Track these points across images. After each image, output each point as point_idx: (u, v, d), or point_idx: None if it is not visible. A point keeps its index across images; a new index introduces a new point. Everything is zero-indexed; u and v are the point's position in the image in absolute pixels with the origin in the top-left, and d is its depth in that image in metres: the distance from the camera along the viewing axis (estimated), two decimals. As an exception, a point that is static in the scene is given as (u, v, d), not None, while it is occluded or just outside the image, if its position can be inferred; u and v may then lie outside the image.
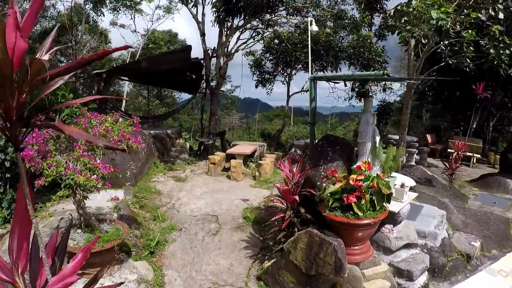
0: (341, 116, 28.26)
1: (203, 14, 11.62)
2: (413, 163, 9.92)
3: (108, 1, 15.80)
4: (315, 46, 12.27)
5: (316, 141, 5.70)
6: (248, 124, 27.02)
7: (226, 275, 4.28)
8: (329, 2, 13.63)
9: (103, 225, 4.10)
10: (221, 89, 13.37)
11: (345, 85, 13.65)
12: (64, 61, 15.97)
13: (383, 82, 13.39)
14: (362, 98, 13.63)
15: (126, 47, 1.32)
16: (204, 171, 8.90)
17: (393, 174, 4.77)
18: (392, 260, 4.34)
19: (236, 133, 22.75)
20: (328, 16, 13.34)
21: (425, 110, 18.74)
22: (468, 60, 8.05)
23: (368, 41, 12.78)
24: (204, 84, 12.04)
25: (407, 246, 4.49)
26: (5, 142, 4.72)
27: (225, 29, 11.65)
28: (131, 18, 18.67)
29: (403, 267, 4.23)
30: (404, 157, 9.40)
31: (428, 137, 14.05)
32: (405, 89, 10.04)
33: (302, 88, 15.84)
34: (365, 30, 13.91)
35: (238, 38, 12.52)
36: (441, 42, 7.50)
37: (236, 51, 12.60)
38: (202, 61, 11.11)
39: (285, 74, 15.50)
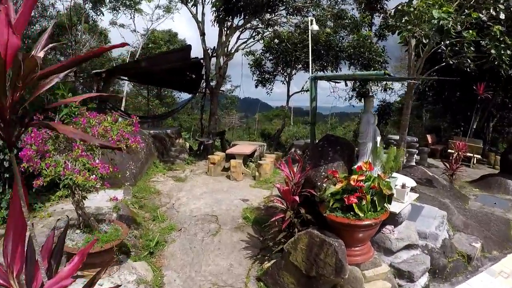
0: (341, 116, 28.26)
1: (203, 14, 11.59)
2: (413, 164, 9.89)
3: (107, 1, 15.77)
4: (315, 46, 12.25)
5: (317, 141, 5.67)
6: (248, 124, 27.02)
7: (226, 275, 4.25)
8: (329, 2, 13.61)
9: (102, 226, 4.08)
10: (221, 89, 13.34)
11: (346, 84, 13.67)
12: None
13: (384, 82, 13.37)
14: (363, 98, 13.65)
15: (123, 44, 1.29)
16: (203, 171, 8.88)
17: (394, 174, 4.74)
18: (393, 261, 4.31)
19: (236, 133, 22.73)
20: (328, 16, 13.32)
21: (425, 110, 18.72)
22: (468, 60, 8.03)
23: (369, 41, 12.76)
24: (204, 84, 12.01)
25: (408, 247, 4.47)
26: (3, 142, 4.68)
27: (225, 28, 11.62)
28: (131, 18, 18.67)
29: (404, 268, 4.21)
30: (404, 158, 9.38)
31: (428, 137, 14.03)
32: (406, 89, 10.02)
33: (302, 88, 15.83)
34: (366, 30, 13.89)
35: (238, 38, 12.50)
36: (442, 42, 7.48)
37: (236, 50, 12.58)
38: (202, 61, 11.09)
39: (285, 74, 15.48)
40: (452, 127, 15.80)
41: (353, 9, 14.30)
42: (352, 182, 3.83)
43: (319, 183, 4.53)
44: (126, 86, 19.46)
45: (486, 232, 5.77)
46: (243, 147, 9.61)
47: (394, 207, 4.31)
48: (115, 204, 5.11)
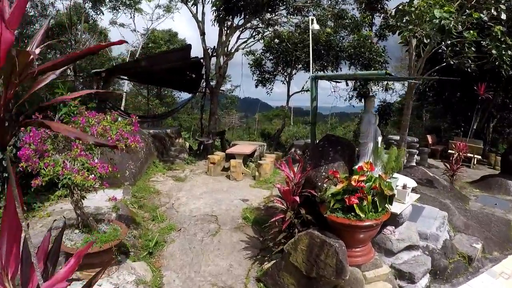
0: (341, 116, 28.23)
1: (203, 13, 11.57)
2: (414, 164, 9.88)
3: (107, 0, 15.73)
4: (315, 45, 12.23)
5: (317, 141, 5.65)
6: (248, 124, 26.99)
7: (225, 276, 4.23)
8: (329, 2, 13.59)
9: (101, 225, 4.05)
10: (221, 88, 13.31)
11: (347, 84, 13.65)
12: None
13: (385, 82, 13.35)
14: (363, 98, 13.64)
15: (121, 42, 1.26)
16: (203, 171, 8.85)
17: (395, 175, 4.71)
18: (394, 262, 4.28)
19: (236, 133, 22.70)
20: (328, 16, 13.30)
21: (425, 110, 18.70)
22: (469, 60, 8.00)
23: (369, 41, 12.74)
24: (204, 84, 11.98)
25: (409, 248, 4.44)
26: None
27: (225, 28, 11.60)
28: (131, 17, 18.62)
29: (404, 269, 4.18)
30: (405, 158, 9.36)
31: (429, 137, 14.01)
32: (406, 89, 9.99)
33: (302, 88, 15.81)
34: (366, 30, 13.87)
35: (238, 38, 12.48)
36: (443, 42, 7.45)
37: (236, 50, 12.55)
38: (202, 60, 11.06)
39: (285, 73, 15.46)
40: (453, 127, 15.78)
41: (353, 9, 14.30)
42: (353, 183, 3.80)
43: (319, 184, 4.50)
44: (126, 85, 19.44)
45: (487, 233, 5.75)
46: (243, 147, 9.58)
47: (395, 207, 4.28)
48: (114, 204, 5.08)
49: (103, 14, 15.80)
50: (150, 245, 4.63)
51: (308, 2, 12.11)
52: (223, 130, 13.36)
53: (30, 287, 1.24)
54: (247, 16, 11.04)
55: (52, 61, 1.04)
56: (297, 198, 4.28)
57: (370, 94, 13.02)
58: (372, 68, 12.36)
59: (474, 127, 12.59)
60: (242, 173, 8.33)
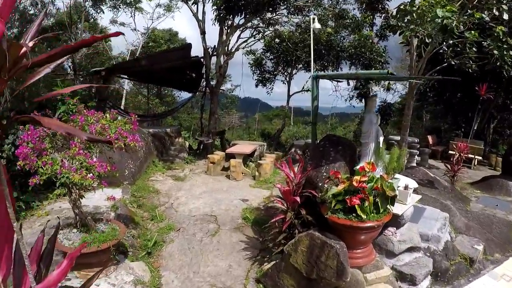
0: (341, 116, 28.22)
1: (204, 12, 11.53)
2: (414, 165, 9.84)
3: (108, -1, 15.71)
4: (316, 45, 12.20)
5: (318, 141, 5.60)
6: (248, 123, 26.96)
7: (225, 277, 4.19)
8: (330, 2, 13.56)
9: (100, 225, 4.01)
10: (221, 88, 13.28)
11: (348, 84, 13.62)
12: (63, 58, 15.85)
13: (386, 82, 13.32)
14: (364, 99, 13.62)
15: (117, 34, 1.22)
16: (203, 170, 8.81)
17: (396, 175, 4.67)
18: (395, 264, 4.24)
19: (236, 133, 22.67)
20: (329, 16, 13.27)
21: (426, 111, 18.66)
22: (470, 61, 7.96)
23: (370, 41, 12.71)
24: (204, 83, 11.95)
25: (410, 249, 4.40)
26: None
27: (226, 27, 11.57)
28: (131, 16, 18.60)
29: (406, 271, 4.13)
30: (406, 159, 9.32)
31: (429, 138, 13.97)
32: (407, 89, 9.95)
33: (303, 87, 15.77)
34: (367, 30, 13.84)
35: (239, 37, 12.46)
36: (444, 42, 7.41)
37: (237, 50, 12.53)
38: (202, 60, 11.03)
39: (285, 73, 15.43)
40: (453, 128, 15.74)
41: (354, 9, 14.28)
42: (354, 183, 3.76)
43: (320, 184, 4.46)
44: (126, 84, 19.41)
45: (488, 235, 5.71)
46: (243, 147, 9.55)
47: (396, 208, 4.24)
48: (113, 203, 5.03)
49: (103, 12, 15.81)
50: (149, 245, 4.59)
51: (309, 1, 12.07)
52: (223, 130, 13.32)
53: (23, 289, 1.20)
54: (247, 16, 11.00)
55: (46, 53, 0.99)
56: (298, 199, 4.24)
57: (371, 94, 12.98)
58: (373, 68, 12.33)
59: (475, 128, 12.56)
60: (242, 173, 8.29)
